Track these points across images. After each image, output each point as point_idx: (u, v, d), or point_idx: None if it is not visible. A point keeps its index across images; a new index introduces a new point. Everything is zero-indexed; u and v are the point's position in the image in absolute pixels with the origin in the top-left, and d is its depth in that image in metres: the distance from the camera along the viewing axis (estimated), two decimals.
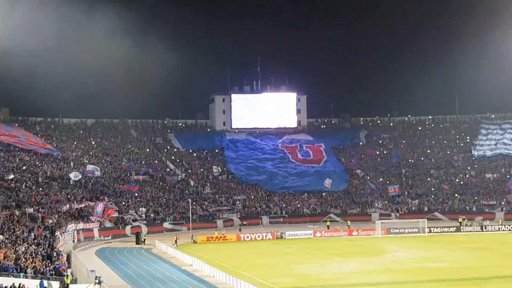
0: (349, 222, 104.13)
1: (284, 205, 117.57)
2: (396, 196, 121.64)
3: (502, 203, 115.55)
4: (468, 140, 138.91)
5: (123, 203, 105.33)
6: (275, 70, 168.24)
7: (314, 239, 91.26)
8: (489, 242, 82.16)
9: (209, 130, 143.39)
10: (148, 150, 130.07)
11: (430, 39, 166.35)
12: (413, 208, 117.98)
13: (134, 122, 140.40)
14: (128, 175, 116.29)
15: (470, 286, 52.30)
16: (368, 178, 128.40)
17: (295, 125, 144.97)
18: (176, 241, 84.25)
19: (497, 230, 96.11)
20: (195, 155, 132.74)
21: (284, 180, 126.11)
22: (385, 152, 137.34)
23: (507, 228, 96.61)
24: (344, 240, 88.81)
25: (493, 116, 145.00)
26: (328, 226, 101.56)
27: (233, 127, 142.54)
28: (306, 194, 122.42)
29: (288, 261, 67.63)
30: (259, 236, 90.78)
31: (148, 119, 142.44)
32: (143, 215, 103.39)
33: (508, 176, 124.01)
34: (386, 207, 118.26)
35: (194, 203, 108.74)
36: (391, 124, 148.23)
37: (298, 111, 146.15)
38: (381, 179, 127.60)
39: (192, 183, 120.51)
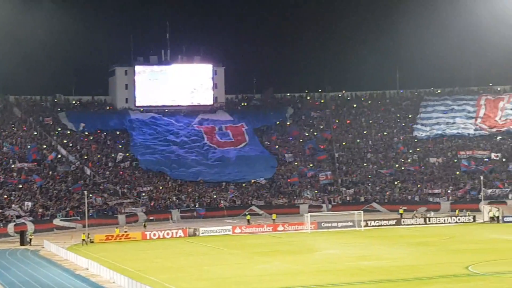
0: (274, 215, 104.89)
1: (198, 197, 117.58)
2: (328, 185, 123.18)
3: (449, 191, 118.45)
4: (410, 119, 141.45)
5: (5, 196, 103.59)
6: (188, 37, 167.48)
7: (233, 235, 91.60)
8: (433, 237, 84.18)
9: (108, 108, 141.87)
10: (35, 132, 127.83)
11: (368, 5, 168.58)
12: (348, 199, 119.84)
13: (17, 99, 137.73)
14: (10, 162, 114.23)
15: (411, 287, 53.39)
16: (296, 163, 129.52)
17: (211, 102, 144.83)
18: (84, 239, 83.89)
19: (442, 223, 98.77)
20: (91, 138, 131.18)
21: (199, 167, 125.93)
22: (315, 133, 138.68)
23: (454, 220, 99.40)
24: (268, 237, 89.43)
25: (438, 91, 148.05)
26: (248, 220, 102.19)
27: (137, 104, 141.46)
28: (224, 183, 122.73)
29: (203, 263, 67.63)
30: (168, 234, 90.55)
31: (35, 96, 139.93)
32: (29, 211, 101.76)
33: (455, 161, 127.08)
34: (317, 198, 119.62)
35: (91, 195, 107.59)
36: (322, 101, 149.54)
37: (215, 86, 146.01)
38: (311, 165, 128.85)
39: (88, 171, 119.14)
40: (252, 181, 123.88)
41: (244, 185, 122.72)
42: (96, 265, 62.60)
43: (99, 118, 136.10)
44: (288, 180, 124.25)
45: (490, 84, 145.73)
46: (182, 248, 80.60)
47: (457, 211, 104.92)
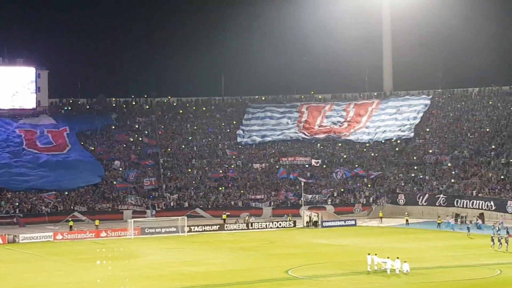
0: (97, 221, 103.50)
1: (19, 203, 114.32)
2: (153, 190, 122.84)
3: (271, 197, 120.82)
4: (234, 125, 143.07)
5: None
6: (10, 39, 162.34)
7: (55, 242, 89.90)
8: (255, 242, 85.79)
9: None
10: None
11: (194, 11, 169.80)
12: (172, 204, 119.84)
13: None
14: None
15: None
16: (121, 169, 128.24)
17: (34, 106, 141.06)
18: None
19: (264, 228, 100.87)
20: None
21: (20, 172, 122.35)
22: (140, 138, 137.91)
23: (275, 225, 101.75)
24: (90, 243, 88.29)
25: (263, 98, 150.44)
26: (71, 226, 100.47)
27: None
28: (46, 189, 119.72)
29: (22, 270, 66.14)
30: None
31: None
32: None
33: (277, 167, 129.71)
34: (141, 203, 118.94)
35: None
36: (148, 107, 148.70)
37: (38, 90, 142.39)
38: (135, 171, 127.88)
39: None
40: (76, 186, 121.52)
41: (67, 190, 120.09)
42: None
43: None
44: (118, 185, 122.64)
45: (312, 93, 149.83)
46: (1, 255, 78.19)
47: (287, 216, 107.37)
